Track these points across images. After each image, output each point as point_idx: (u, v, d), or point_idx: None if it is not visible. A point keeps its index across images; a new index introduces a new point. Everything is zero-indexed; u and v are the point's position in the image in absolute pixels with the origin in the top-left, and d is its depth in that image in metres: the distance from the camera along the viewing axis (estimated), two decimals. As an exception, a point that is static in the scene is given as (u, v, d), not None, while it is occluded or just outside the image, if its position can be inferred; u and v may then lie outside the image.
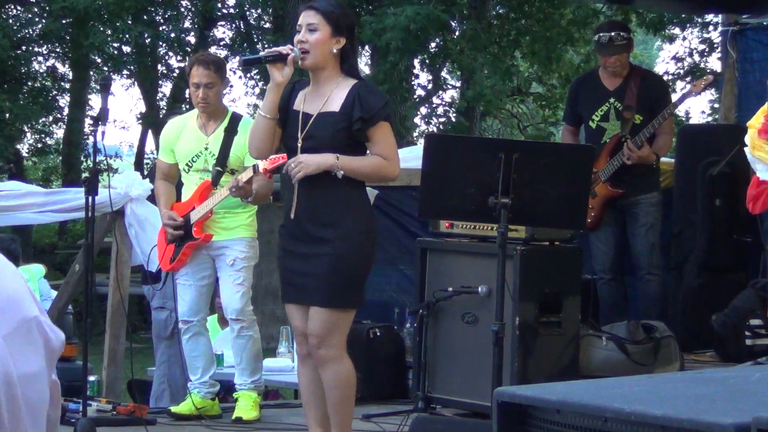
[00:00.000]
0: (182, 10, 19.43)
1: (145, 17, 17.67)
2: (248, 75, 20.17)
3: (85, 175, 12.46)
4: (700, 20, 18.22)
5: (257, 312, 6.94)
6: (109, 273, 7.63)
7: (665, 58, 24.72)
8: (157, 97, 21.66)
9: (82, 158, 20.65)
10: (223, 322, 8.46)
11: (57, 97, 20.72)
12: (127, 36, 16.92)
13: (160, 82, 21.51)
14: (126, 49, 18.62)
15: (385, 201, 8.36)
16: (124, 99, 38.03)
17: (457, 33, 17.25)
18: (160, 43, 19.36)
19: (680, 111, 18.36)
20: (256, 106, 19.34)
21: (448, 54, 17.37)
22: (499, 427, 3.04)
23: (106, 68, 19.15)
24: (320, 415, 5.14)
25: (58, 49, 19.84)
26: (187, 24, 19.60)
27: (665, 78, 16.89)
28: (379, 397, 6.86)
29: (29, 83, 19.64)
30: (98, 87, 19.73)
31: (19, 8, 18.93)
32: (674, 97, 8.86)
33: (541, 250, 6.25)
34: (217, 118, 6.47)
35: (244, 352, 6.41)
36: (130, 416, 6.13)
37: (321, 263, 4.98)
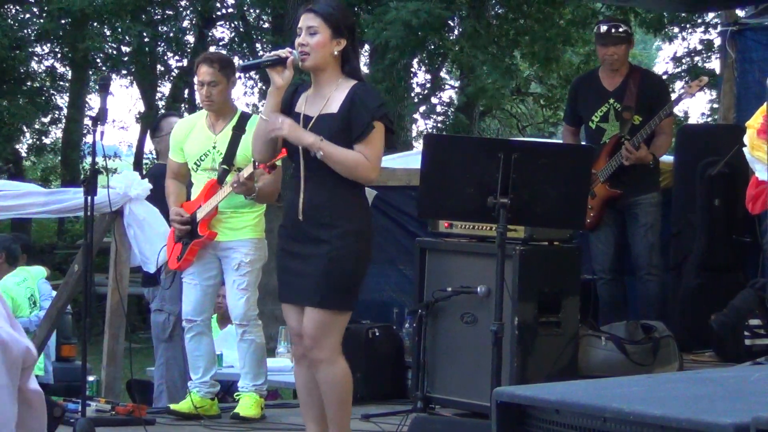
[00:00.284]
0: (181, 9, 19.43)
1: (143, 17, 17.66)
2: (247, 75, 20.15)
3: (85, 174, 12.45)
4: (699, 20, 18.20)
5: (257, 312, 6.93)
6: (108, 273, 7.62)
7: (664, 58, 24.73)
8: (156, 97, 21.64)
9: (82, 157, 20.65)
10: (223, 322, 8.46)
11: (56, 97, 20.71)
12: (126, 36, 16.91)
13: (159, 82, 21.49)
14: (125, 49, 18.61)
15: (384, 201, 8.35)
16: (123, 99, 37.95)
17: (456, 32, 17.24)
18: (159, 43, 19.34)
19: (678, 111, 18.33)
20: (255, 106, 19.33)
21: (446, 53, 17.34)
22: (498, 427, 3.04)
23: (104, 68, 19.14)
24: (317, 414, 5.14)
25: (57, 49, 19.83)
26: (185, 24, 19.59)
27: (664, 78, 16.88)
28: (378, 397, 6.85)
29: (28, 83, 19.63)
30: (97, 87, 19.75)
31: (17, 8, 18.92)
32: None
33: (540, 250, 6.25)
34: (225, 117, 6.44)
35: (246, 355, 6.41)
36: (129, 416, 6.13)
37: (316, 264, 4.97)
